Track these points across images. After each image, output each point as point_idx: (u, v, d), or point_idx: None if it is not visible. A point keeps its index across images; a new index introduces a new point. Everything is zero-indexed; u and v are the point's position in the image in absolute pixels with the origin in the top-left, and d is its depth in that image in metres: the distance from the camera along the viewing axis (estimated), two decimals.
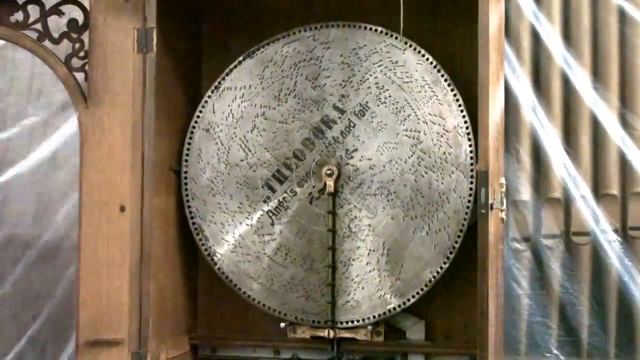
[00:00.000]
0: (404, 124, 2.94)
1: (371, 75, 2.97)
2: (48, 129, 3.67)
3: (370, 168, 2.96)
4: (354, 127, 2.97)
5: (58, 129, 3.65)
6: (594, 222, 3.22)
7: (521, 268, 3.25)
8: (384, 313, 2.96)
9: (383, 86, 2.96)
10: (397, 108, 2.95)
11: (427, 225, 2.92)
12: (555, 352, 3.22)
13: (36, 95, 3.69)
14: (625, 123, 3.24)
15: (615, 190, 3.23)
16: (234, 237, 3.03)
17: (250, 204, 3.03)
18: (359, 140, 2.97)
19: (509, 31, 3.24)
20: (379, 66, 2.97)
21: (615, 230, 3.21)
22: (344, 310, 2.98)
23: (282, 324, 3.02)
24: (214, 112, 3.06)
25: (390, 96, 2.96)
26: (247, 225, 3.02)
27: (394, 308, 2.95)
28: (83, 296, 2.80)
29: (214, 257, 3.04)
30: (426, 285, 2.92)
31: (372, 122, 2.96)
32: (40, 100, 3.68)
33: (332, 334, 2.97)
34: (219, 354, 3.19)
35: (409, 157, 2.93)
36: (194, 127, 3.06)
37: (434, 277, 2.92)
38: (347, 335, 2.99)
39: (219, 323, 3.24)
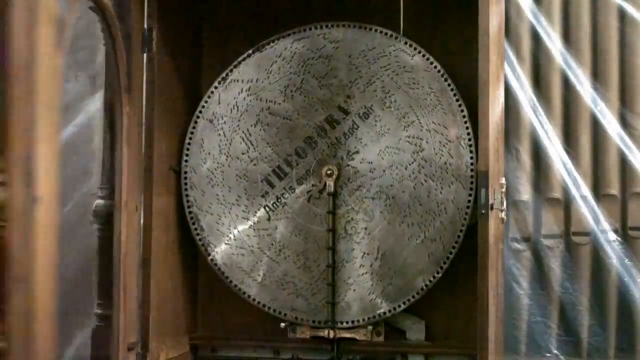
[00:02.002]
0: (407, 130, 2.93)
1: (378, 79, 2.97)
2: None
3: (370, 171, 2.95)
4: (357, 129, 2.97)
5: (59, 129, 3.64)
6: (594, 222, 3.21)
7: (521, 268, 3.24)
8: (373, 317, 2.96)
9: (389, 90, 2.96)
10: (401, 114, 2.94)
11: (423, 234, 2.92)
12: (555, 352, 3.21)
13: None
14: (625, 123, 3.24)
15: (615, 190, 3.22)
16: (229, 230, 3.02)
17: (248, 197, 3.02)
18: (361, 142, 2.97)
19: (509, 31, 3.23)
20: (387, 70, 2.96)
21: (615, 230, 3.21)
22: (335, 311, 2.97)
23: (282, 324, 3.02)
24: (219, 103, 3.05)
25: (395, 101, 2.95)
26: (244, 218, 3.02)
27: (384, 313, 2.95)
28: (122, 300, 2.70)
29: (208, 248, 3.04)
30: (418, 293, 2.93)
31: (375, 125, 2.96)
32: None
33: (332, 334, 2.97)
34: (219, 354, 3.19)
35: (409, 164, 2.93)
36: (197, 117, 3.06)
37: (426, 285, 2.92)
38: (347, 335, 2.98)
39: (219, 323, 3.24)
